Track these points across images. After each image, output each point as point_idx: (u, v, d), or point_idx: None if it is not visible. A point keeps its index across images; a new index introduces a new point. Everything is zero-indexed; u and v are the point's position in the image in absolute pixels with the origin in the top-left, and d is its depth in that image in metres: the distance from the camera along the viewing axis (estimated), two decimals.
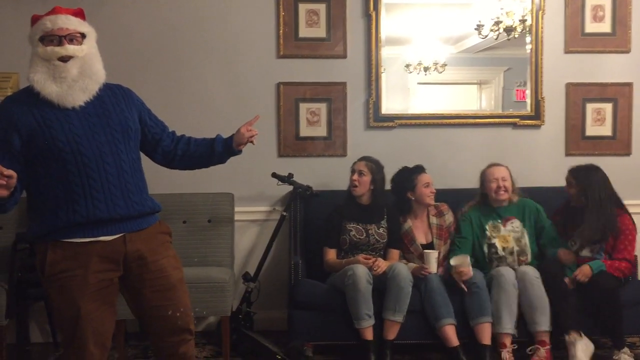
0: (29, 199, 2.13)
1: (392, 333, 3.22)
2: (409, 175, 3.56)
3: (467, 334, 3.25)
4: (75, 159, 2.04)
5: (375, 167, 3.52)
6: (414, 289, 3.25)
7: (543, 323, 3.18)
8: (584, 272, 3.25)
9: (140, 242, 2.16)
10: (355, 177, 3.49)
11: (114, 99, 2.20)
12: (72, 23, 2.12)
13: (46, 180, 2.07)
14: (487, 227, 3.52)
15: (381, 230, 3.50)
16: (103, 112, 2.14)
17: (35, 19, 2.16)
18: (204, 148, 2.39)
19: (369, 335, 3.18)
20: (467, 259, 3.32)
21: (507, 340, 3.21)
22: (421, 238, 3.57)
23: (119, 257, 2.12)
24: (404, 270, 3.23)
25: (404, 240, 3.55)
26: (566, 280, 3.29)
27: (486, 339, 3.20)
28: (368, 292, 3.17)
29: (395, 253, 3.51)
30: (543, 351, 3.16)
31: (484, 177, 3.58)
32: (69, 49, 2.08)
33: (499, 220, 3.53)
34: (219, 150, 2.38)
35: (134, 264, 2.15)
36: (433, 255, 3.35)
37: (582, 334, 3.16)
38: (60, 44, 2.09)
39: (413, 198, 3.56)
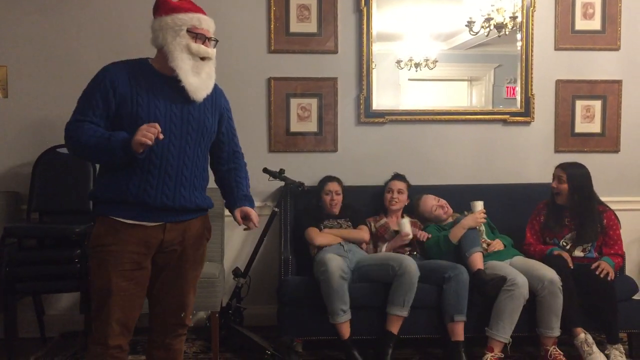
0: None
1: (396, 327, 3.21)
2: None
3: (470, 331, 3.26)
4: (161, 143, 2.11)
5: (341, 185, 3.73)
6: (425, 285, 3.26)
7: (558, 329, 3.21)
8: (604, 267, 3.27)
9: (177, 232, 2.23)
10: (333, 197, 3.65)
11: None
12: (212, 27, 2.26)
13: None
14: (447, 227, 3.58)
15: (349, 223, 3.66)
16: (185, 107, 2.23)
17: (173, 6, 2.19)
18: (227, 191, 2.46)
19: (345, 331, 3.17)
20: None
21: (497, 348, 3.18)
22: (394, 227, 3.66)
23: (155, 243, 2.19)
24: (414, 265, 3.23)
25: (379, 231, 3.66)
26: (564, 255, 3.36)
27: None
28: (342, 287, 3.15)
29: (364, 227, 3.64)
30: (554, 348, 3.21)
31: (422, 206, 3.73)
32: (211, 52, 2.22)
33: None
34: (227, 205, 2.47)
35: (165, 250, 2.23)
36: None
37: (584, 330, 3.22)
38: (204, 44, 2.21)
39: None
